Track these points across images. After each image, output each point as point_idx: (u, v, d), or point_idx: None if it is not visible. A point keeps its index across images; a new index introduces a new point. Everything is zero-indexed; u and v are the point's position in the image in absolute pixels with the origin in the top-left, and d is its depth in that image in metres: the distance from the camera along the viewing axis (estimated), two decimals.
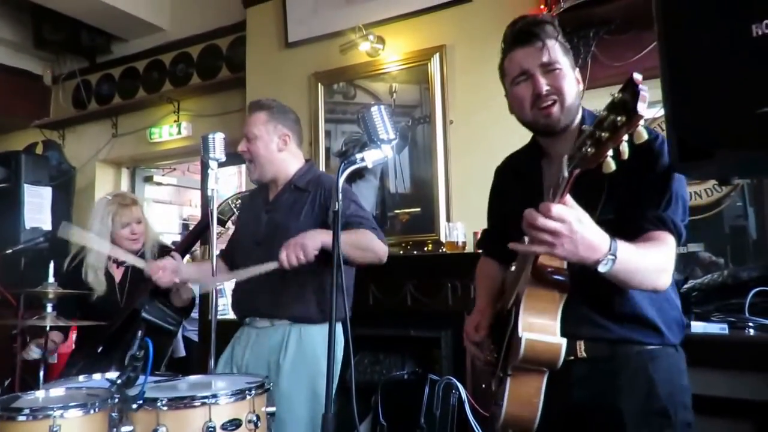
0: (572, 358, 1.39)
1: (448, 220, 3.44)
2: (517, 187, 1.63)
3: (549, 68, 1.44)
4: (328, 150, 3.96)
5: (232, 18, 4.73)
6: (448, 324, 3.16)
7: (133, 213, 2.87)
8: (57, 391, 1.76)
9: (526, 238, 1.21)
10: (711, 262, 3.02)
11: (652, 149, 1.37)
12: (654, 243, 1.32)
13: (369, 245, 2.13)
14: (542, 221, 1.14)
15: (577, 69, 1.50)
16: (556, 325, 1.30)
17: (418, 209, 3.58)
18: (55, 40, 5.42)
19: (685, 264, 3.07)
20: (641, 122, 0.96)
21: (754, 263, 2.87)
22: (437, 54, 3.60)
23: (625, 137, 0.99)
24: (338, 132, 3.95)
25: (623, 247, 1.21)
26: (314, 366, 2.17)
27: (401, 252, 3.52)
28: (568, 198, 1.16)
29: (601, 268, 1.19)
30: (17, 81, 5.73)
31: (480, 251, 1.90)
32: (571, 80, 1.46)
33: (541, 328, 1.29)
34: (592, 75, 3.25)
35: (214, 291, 2.35)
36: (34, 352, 2.72)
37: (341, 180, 1.59)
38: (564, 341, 1.29)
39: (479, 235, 1.93)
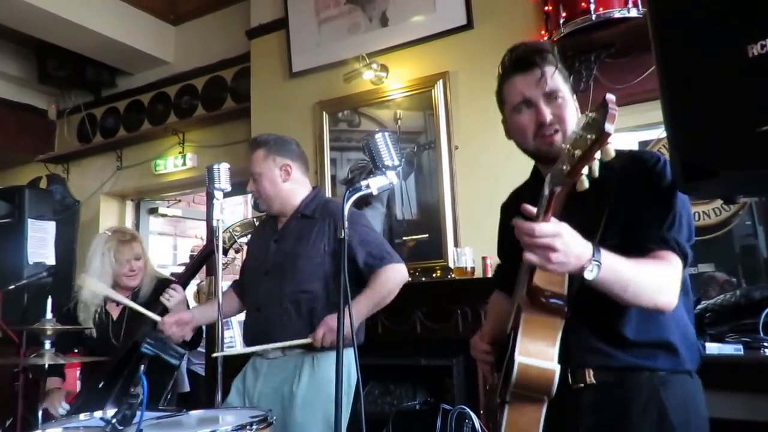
0: (582, 385, 1.36)
1: (456, 245, 3.41)
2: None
3: (552, 97, 1.43)
4: (334, 178, 3.95)
5: (236, 50, 4.78)
6: (460, 351, 3.10)
7: (133, 249, 2.83)
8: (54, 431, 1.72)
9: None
10: (725, 282, 2.99)
11: (653, 171, 1.36)
12: (655, 261, 1.29)
13: (391, 293, 2.26)
14: (534, 240, 1.14)
15: (575, 96, 1.49)
16: (554, 351, 1.27)
17: (426, 235, 3.56)
18: (60, 76, 5.46)
19: (698, 285, 3.03)
20: (610, 140, 0.99)
21: (766, 282, 2.83)
22: (441, 80, 3.62)
23: (597, 155, 1.01)
24: (344, 159, 3.95)
25: (607, 254, 1.19)
26: (329, 395, 2.13)
27: (410, 279, 3.47)
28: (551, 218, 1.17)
29: (587, 275, 1.17)
30: (22, 116, 5.77)
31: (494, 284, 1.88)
32: (572, 109, 1.45)
33: (537, 353, 1.27)
34: (595, 98, 3.26)
35: (220, 324, 2.32)
36: (62, 408, 2.60)
37: (347, 207, 1.58)
38: (558, 367, 1.26)
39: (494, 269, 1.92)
